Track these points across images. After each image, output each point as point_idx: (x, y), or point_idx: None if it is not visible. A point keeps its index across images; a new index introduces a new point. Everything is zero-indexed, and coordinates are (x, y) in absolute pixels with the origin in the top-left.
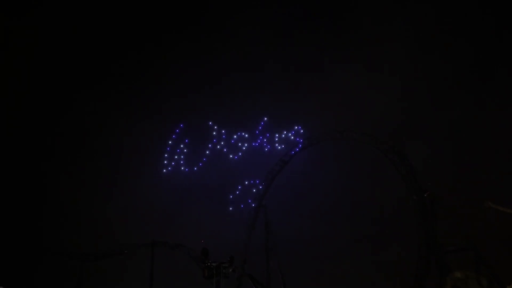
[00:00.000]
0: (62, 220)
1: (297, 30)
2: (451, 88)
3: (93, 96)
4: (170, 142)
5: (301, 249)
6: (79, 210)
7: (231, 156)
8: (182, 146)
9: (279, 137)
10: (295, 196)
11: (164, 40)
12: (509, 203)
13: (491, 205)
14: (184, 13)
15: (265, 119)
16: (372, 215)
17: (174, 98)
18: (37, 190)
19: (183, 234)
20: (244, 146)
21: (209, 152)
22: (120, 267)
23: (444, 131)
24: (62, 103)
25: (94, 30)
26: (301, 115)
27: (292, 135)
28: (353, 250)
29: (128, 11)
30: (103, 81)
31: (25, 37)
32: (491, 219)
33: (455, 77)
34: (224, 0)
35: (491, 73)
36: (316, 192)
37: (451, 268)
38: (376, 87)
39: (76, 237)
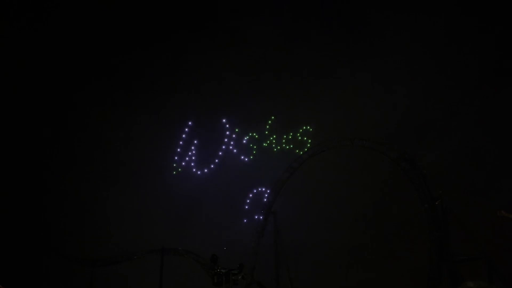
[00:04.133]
0: (71, 225)
1: (309, 37)
2: (463, 96)
3: (98, 94)
4: (181, 143)
5: (311, 256)
6: (87, 215)
7: (242, 157)
8: (192, 147)
9: (287, 138)
10: (304, 203)
11: (173, 40)
12: None
13: (505, 214)
14: (195, 14)
15: (273, 117)
16: (383, 223)
17: (182, 98)
18: (46, 195)
19: (192, 239)
20: (254, 147)
21: (221, 153)
22: (129, 273)
23: (456, 139)
24: (68, 106)
25: (103, 31)
26: (310, 119)
27: (300, 134)
28: (364, 258)
29: (138, 10)
30: (110, 79)
31: (32, 37)
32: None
33: (466, 86)
34: (238, 3)
35: (503, 77)
36: (325, 199)
37: (463, 278)
38: (386, 95)
39: (85, 242)
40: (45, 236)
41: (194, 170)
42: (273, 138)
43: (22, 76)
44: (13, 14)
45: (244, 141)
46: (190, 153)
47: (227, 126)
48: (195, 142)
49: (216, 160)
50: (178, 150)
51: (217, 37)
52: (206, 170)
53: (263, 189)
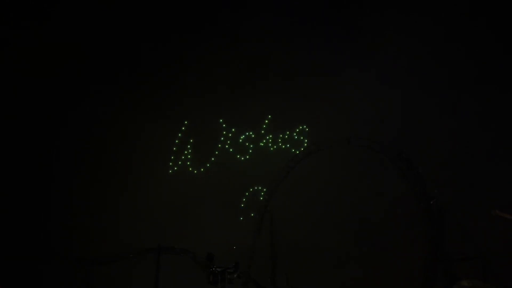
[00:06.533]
0: (67, 224)
1: (306, 36)
2: (461, 94)
3: (93, 93)
4: (176, 141)
5: (307, 255)
6: (82, 214)
7: (238, 156)
8: (189, 146)
9: (283, 137)
10: (301, 201)
11: (170, 39)
12: None
13: (499, 213)
14: (193, 13)
15: (269, 116)
16: (379, 222)
17: (179, 96)
18: (41, 194)
19: (188, 238)
20: (250, 146)
21: (217, 152)
22: (126, 271)
23: (453, 138)
24: (70, 107)
25: (102, 30)
26: (307, 119)
27: (296, 134)
28: (359, 257)
29: (136, 13)
30: (108, 78)
31: (35, 39)
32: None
33: (464, 84)
34: (236, 2)
35: (502, 76)
36: (322, 198)
37: (458, 277)
38: (383, 94)
39: (82, 241)
40: (42, 236)
41: (190, 169)
42: (270, 138)
43: (26, 76)
44: (15, 15)
45: (240, 140)
46: (186, 152)
47: (224, 125)
48: (191, 141)
49: (213, 159)
50: (174, 149)
51: (214, 36)
52: (202, 169)
53: (259, 188)
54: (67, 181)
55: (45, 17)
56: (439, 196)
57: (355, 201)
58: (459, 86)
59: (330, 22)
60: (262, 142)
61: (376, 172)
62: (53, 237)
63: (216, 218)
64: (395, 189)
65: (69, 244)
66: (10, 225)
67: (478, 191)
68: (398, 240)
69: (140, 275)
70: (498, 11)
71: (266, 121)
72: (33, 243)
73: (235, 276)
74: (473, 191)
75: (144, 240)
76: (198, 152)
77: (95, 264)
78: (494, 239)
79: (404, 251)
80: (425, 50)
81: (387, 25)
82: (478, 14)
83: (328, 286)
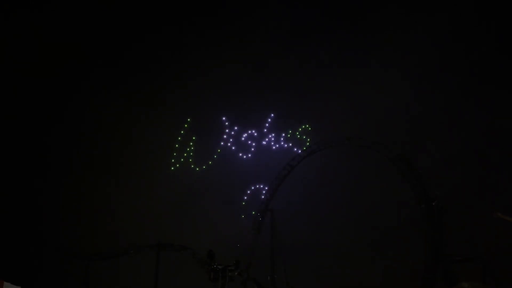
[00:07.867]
0: (67, 219)
1: (309, 36)
2: (462, 96)
3: (96, 89)
4: (179, 138)
5: (307, 254)
6: (83, 209)
7: (240, 154)
8: (191, 143)
9: (285, 136)
10: (301, 201)
11: (173, 37)
12: None
13: (500, 215)
14: (196, 10)
15: (272, 115)
16: (379, 223)
17: (182, 94)
18: (41, 189)
19: (189, 235)
20: (253, 144)
21: (219, 149)
22: (125, 267)
23: (454, 139)
24: (66, 100)
25: (102, 25)
26: (309, 118)
27: (299, 133)
28: (359, 257)
29: (136, 4)
30: (109, 74)
31: (27, 28)
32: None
33: (466, 85)
34: (237, 2)
35: (504, 79)
36: (322, 197)
37: (458, 278)
38: (385, 95)
39: (81, 236)
40: (42, 230)
41: (192, 166)
42: (272, 136)
43: (27, 76)
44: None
45: (243, 138)
46: (188, 149)
47: (226, 123)
48: (194, 138)
49: (215, 157)
50: (177, 146)
51: (217, 34)
52: (204, 167)
53: (261, 186)
54: (67, 178)
55: (45, 16)
56: (440, 197)
57: (355, 201)
58: (460, 87)
59: (332, 22)
60: (265, 141)
61: (377, 172)
62: (53, 233)
63: (218, 215)
64: (395, 189)
65: (68, 239)
66: (11, 220)
67: (479, 193)
68: (398, 241)
69: (139, 271)
70: (502, 11)
71: (269, 120)
72: (33, 239)
73: (235, 274)
74: (474, 193)
75: (144, 236)
76: (200, 150)
77: (94, 259)
78: (494, 241)
79: (404, 252)
80: (426, 51)
81: (389, 27)
82: (482, 16)
83: (328, 286)
